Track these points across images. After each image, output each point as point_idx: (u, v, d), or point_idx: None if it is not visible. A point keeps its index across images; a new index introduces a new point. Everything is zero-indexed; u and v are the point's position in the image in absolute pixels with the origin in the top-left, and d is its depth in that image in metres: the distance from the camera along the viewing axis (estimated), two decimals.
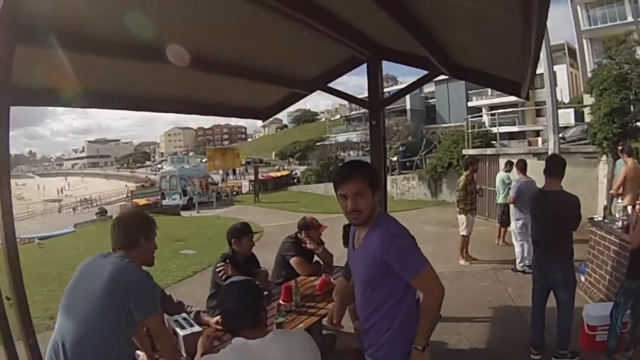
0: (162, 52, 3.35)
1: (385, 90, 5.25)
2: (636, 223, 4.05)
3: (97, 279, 2.41)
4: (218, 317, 3.23)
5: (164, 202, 29.47)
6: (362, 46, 4.28)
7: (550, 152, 10.23)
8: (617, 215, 5.74)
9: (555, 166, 4.44)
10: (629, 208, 5.43)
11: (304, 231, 4.93)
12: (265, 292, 4.25)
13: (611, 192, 7.87)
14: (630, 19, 25.85)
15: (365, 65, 4.98)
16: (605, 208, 6.23)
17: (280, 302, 3.85)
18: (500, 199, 9.92)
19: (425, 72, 5.01)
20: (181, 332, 3.18)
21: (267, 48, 4.10)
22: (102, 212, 28.64)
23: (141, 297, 2.46)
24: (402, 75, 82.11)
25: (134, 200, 30.73)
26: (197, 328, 3.27)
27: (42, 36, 2.61)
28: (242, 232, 4.30)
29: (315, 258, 5.04)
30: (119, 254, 2.54)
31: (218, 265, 4.13)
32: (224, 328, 2.64)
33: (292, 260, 4.76)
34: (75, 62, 3.02)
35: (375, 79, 4.97)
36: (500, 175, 10.03)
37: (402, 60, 4.87)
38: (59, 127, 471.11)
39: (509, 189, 9.37)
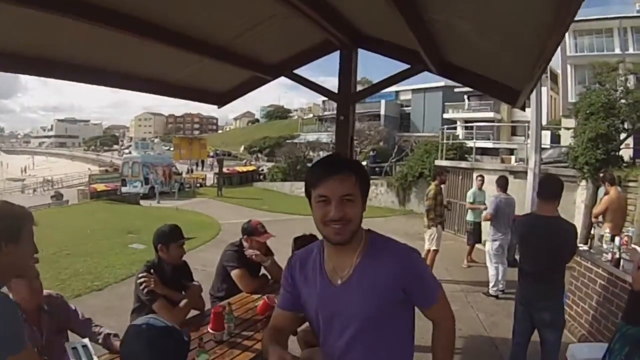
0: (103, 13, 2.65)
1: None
2: None
3: None
4: None
5: (124, 189, 27.92)
6: (337, 29, 3.59)
7: (530, 172, 9.86)
8: (604, 246, 5.22)
9: (550, 188, 3.79)
10: (617, 239, 4.88)
11: (248, 237, 4.15)
12: (197, 312, 3.55)
13: (593, 220, 7.41)
14: (617, 51, 25.74)
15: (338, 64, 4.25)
16: (592, 237, 5.70)
17: (209, 330, 3.05)
18: (468, 215, 9.44)
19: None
20: None
21: (227, 20, 3.39)
22: (58, 196, 27.00)
23: None
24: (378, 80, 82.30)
25: (92, 186, 29.16)
26: None
27: None
28: (170, 237, 3.47)
29: (263, 271, 4.29)
30: None
31: (140, 276, 3.34)
32: None
33: (233, 273, 3.98)
34: None
35: (348, 70, 4.21)
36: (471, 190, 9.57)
37: (381, 51, 4.18)
38: (29, 103, 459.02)
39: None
